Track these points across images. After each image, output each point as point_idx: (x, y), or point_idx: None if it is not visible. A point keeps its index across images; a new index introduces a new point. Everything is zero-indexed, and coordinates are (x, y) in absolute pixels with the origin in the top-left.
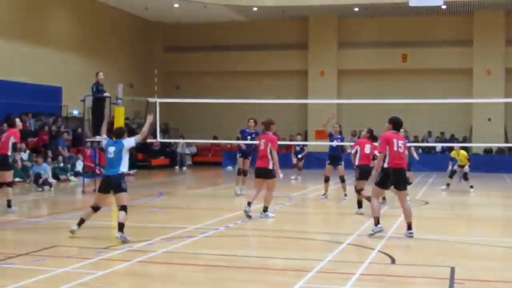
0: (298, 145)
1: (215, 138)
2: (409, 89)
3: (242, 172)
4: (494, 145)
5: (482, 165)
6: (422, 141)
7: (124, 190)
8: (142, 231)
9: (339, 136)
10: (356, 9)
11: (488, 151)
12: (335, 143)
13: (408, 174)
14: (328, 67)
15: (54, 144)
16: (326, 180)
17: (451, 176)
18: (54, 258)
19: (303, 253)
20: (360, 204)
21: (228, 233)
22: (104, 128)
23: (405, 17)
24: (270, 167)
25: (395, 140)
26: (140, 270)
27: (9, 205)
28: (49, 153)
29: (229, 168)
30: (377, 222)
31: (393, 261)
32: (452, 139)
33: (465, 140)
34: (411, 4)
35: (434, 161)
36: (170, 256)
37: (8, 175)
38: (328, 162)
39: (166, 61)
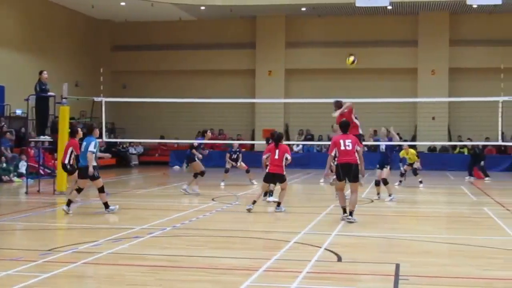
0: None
1: (162, 137)
2: (356, 88)
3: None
4: (438, 143)
5: (427, 163)
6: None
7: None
8: (88, 232)
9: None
10: (303, 8)
11: (432, 149)
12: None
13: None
14: (276, 67)
15: None
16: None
17: (402, 175)
18: None
19: (250, 252)
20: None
21: (175, 233)
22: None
23: (352, 17)
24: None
25: (341, 141)
26: (86, 271)
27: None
28: None
29: (176, 167)
30: (344, 211)
31: (339, 258)
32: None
33: (414, 138)
34: (358, 4)
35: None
36: (116, 257)
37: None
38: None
39: (113, 60)
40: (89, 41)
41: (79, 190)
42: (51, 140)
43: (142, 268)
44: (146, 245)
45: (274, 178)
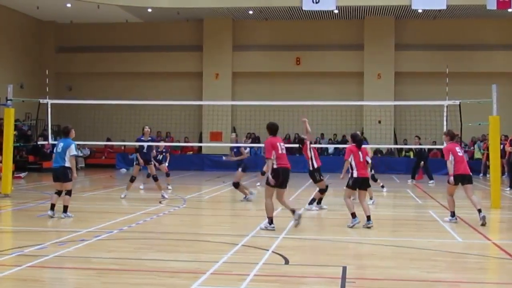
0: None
1: (108, 140)
2: (302, 91)
3: (153, 177)
4: (384, 147)
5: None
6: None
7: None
8: (33, 235)
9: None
10: (251, 12)
11: (377, 152)
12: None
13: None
14: (223, 69)
15: None
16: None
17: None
18: None
19: (198, 255)
20: None
21: (122, 236)
22: None
23: (299, 21)
24: None
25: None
26: (31, 275)
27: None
28: None
29: (123, 170)
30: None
31: (286, 261)
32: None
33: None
34: (304, 8)
35: (327, 162)
36: (62, 260)
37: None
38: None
39: (59, 61)
40: (34, 43)
41: (59, 193)
42: None
43: (88, 272)
44: (92, 248)
45: (363, 183)
